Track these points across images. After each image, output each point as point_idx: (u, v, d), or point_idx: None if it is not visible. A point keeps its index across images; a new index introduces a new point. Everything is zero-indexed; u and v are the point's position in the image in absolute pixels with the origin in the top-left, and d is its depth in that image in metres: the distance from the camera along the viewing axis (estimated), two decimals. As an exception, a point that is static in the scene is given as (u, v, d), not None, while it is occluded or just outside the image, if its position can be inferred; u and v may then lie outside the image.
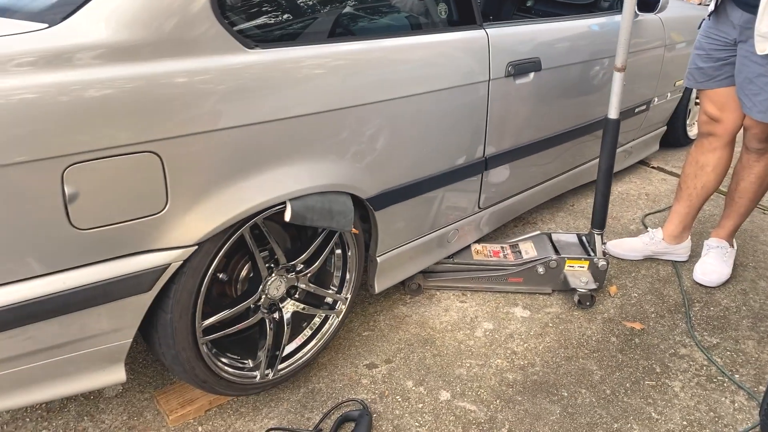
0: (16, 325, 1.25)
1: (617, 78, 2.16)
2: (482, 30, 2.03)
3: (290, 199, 1.56)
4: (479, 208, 2.35)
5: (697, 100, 3.46)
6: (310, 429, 1.72)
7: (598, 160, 3.04)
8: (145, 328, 1.53)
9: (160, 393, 1.80)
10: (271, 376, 1.76)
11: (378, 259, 1.98)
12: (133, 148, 1.26)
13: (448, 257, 2.39)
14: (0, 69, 1.11)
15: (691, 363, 2.06)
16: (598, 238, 2.39)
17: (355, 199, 1.77)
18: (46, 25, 1.21)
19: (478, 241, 2.50)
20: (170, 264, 1.39)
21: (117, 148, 1.23)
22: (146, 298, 1.40)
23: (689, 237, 2.65)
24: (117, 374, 1.50)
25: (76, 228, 1.24)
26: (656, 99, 3.27)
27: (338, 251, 1.88)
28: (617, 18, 2.72)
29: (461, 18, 2.01)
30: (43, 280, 1.25)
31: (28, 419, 1.73)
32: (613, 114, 2.22)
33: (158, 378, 1.90)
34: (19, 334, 1.26)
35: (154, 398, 1.81)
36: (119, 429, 1.71)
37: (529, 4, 3.36)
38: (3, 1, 1.38)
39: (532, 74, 2.22)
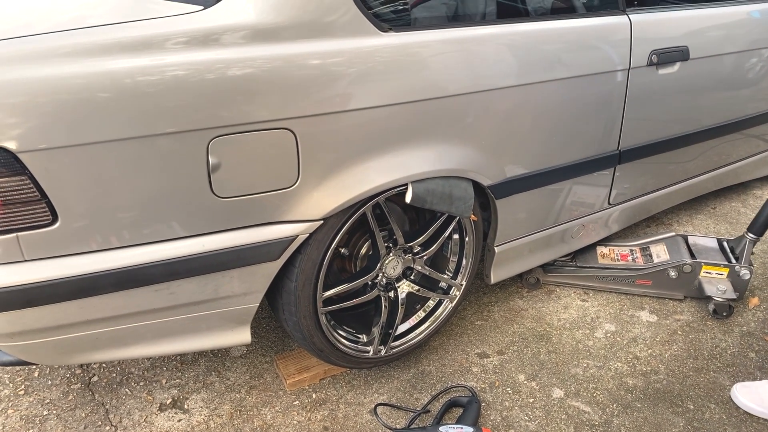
0: (161, 280, 1.38)
1: None
2: (625, 15, 1.91)
3: (412, 182, 1.58)
4: (609, 204, 2.24)
5: None
6: (418, 409, 1.75)
7: (748, 160, 2.80)
8: (271, 294, 1.63)
9: (280, 358, 1.91)
10: (383, 352, 1.80)
11: (496, 248, 1.95)
12: (270, 125, 1.33)
13: (571, 259, 2.30)
14: (158, 47, 1.23)
15: None
16: (749, 245, 2.18)
17: (477, 186, 1.76)
18: (201, 7, 1.31)
19: (604, 242, 2.38)
20: (298, 236, 1.46)
21: (256, 123, 1.32)
22: (274, 266, 1.49)
23: None
24: (243, 335, 1.61)
25: (217, 196, 1.35)
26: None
27: (456, 236, 1.88)
28: (783, 4, 2.45)
29: (603, 3, 1.91)
30: (185, 242, 1.38)
31: (165, 368, 1.91)
32: None
33: (279, 344, 2.01)
34: (163, 289, 1.40)
35: (274, 362, 1.92)
36: (242, 387, 1.84)
37: (679, -11, 3.12)
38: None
39: (678, 64, 2.07)
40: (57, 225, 1.23)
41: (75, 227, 1.25)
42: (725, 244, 2.30)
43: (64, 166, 1.20)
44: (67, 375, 1.88)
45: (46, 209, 1.22)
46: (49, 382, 1.84)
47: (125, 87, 1.19)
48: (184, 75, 1.24)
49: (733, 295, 2.14)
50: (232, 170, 1.33)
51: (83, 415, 1.73)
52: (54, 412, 1.73)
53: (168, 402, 1.78)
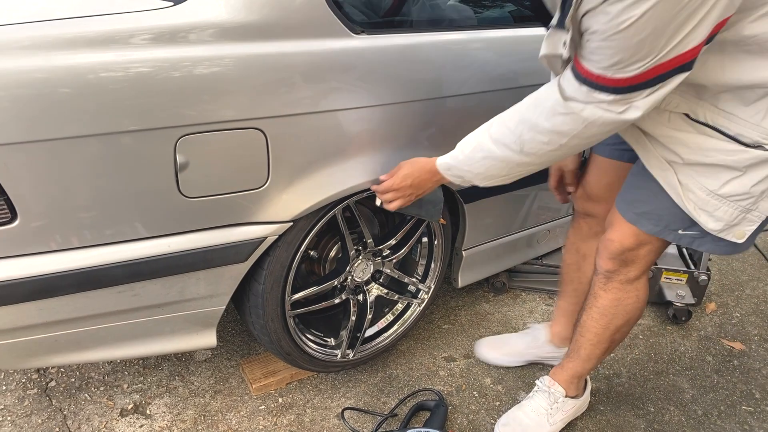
0: (124, 281, 1.34)
1: None
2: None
3: (383, 185, 1.58)
4: (574, 210, 2.27)
5: None
6: (386, 413, 1.74)
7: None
8: (238, 296, 1.60)
9: (245, 362, 1.88)
10: (351, 356, 1.79)
11: (464, 253, 1.97)
12: (240, 124, 1.31)
13: (537, 258, 2.33)
14: (124, 43, 1.20)
15: (797, 393, 1.91)
16: (705, 253, 2.25)
17: (446, 190, 1.77)
18: (171, 3, 1.28)
19: (569, 245, 2.42)
20: (266, 237, 1.45)
21: (226, 122, 1.30)
22: (242, 268, 1.47)
23: None
24: (209, 339, 1.58)
25: (184, 196, 1.32)
26: None
27: (425, 240, 1.88)
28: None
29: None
30: (151, 242, 1.34)
31: (126, 372, 1.86)
32: None
33: (245, 348, 1.98)
34: (127, 290, 1.36)
35: (240, 366, 1.89)
36: (206, 391, 1.80)
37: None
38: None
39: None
40: (16, 223, 1.19)
41: (35, 226, 1.21)
42: (684, 251, 2.36)
43: (25, 162, 1.15)
44: (23, 380, 1.81)
45: (5, 207, 1.17)
46: (4, 387, 1.78)
47: (88, 83, 1.15)
48: (151, 72, 1.20)
49: (692, 300, 2.20)
50: (201, 170, 1.31)
51: (40, 421, 1.67)
52: (9, 418, 1.67)
53: (129, 407, 1.73)
